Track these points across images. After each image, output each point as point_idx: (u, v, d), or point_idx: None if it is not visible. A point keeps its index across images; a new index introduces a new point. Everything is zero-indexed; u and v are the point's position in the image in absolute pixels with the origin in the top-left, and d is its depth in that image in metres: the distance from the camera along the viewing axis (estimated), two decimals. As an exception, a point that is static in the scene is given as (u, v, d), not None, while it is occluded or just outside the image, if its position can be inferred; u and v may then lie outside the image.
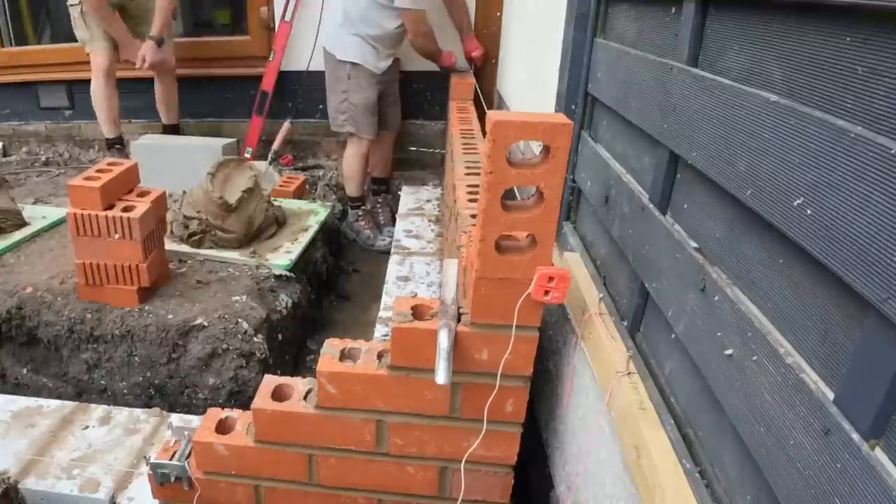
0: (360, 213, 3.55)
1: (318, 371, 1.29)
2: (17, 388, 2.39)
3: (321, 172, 4.00)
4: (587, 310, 1.27)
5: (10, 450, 1.80)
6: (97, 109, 3.62)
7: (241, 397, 2.23)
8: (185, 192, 2.81)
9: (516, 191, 1.89)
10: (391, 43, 3.20)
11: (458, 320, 1.21)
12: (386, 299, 2.40)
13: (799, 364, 0.69)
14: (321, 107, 3.59)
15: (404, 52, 3.41)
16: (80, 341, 2.29)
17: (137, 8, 3.58)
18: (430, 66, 3.55)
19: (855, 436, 0.59)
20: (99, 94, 3.56)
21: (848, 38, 0.63)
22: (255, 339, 2.23)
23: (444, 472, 1.38)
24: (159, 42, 3.44)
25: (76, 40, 3.59)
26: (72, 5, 3.44)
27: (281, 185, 3.46)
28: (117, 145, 3.72)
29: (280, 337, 2.44)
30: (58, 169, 4.14)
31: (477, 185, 1.87)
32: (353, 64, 3.15)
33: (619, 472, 1.09)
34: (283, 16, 3.70)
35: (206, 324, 2.22)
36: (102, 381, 2.34)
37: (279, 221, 2.94)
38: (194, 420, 1.85)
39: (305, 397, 1.35)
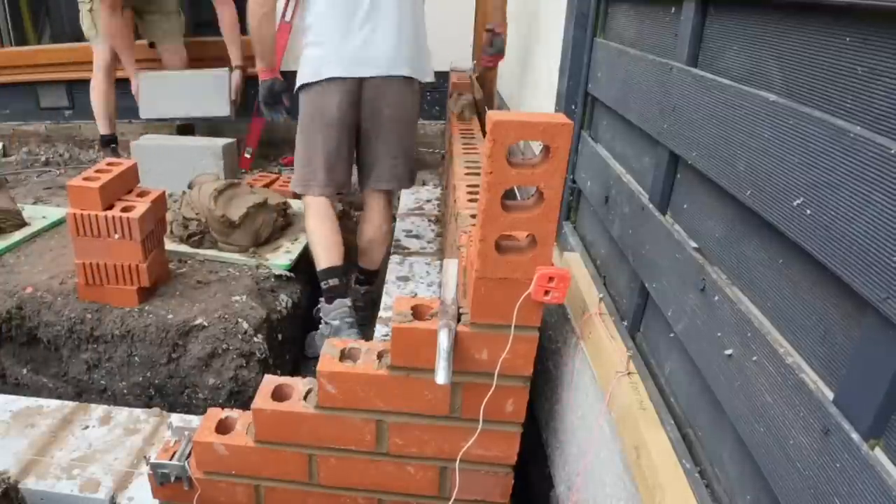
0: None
1: (318, 371, 1.29)
2: (17, 388, 2.39)
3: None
4: (587, 310, 1.27)
5: (10, 450, 1.80)
6: (94, 105, 3.64)
7: (241, 397, 2.23)
8: (184, 193, 2.82)
9: (516, 191, 1.89)
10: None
11: (458, 320, 1.21)
12: (386, 299, 2.40)
13: (799, 364, 0.69)
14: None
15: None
16: (80, 341, 2.29)
17: (153, 5, 3.61)
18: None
19: (855, 436, 0.59)
20: (98, 89, 3.59)
21: (848, 38, 0.63)
22: (255, 339, 2.23)
23: (444, 472, 1.38)
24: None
25: (77, 40, 3.61)
26: (81, 2, 3.45)
27: (280, 185, 3.47)
28: (112, 144, 3.74)
29: (280, 337, 2.44)
30: (58, 169, 4.14)
31: (477, 185, 1.87)
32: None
33: (620, 472, 1.09)
34: (284, 16, 3.69)
35: (206, 324, 2.22)
36: (102, 381, 2.34)
37: (288, 223, 2.97)
38: (194, 420, 1.85)
39: (305, 397, 1.35)
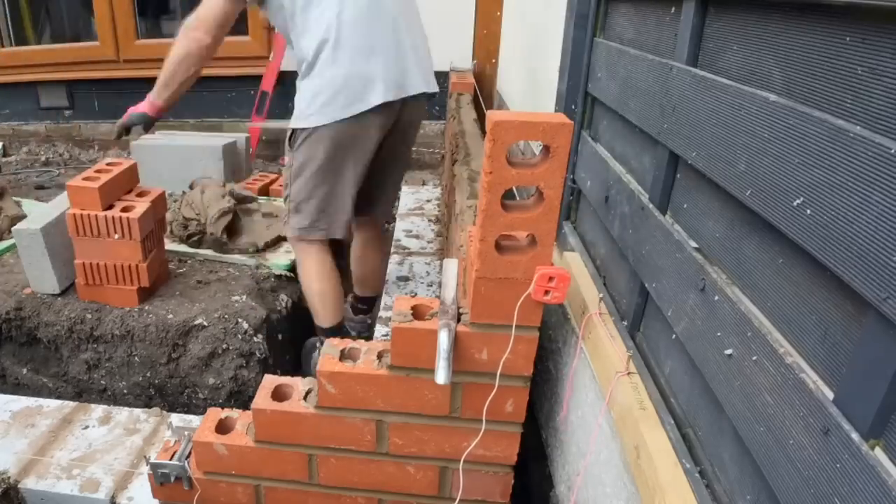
0: None
1: (318, 371, 1.29)
2: (17, 388, 2.39)
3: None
4: (587, 310, 1.27)
5: (10, 450, 1.80)
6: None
7: (241, 397, 2.23)
8: (184, 193, 2.82)
9: (516, 191, 1.89)
10: None
11: (458, 320, 1.21)
12: (386, 299, 2.40)
13: (799, 364, 0.69)
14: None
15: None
16: (80, 341, 2.29)
17: None
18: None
19: (855, 436, 0.59)
20: None
21: (848, 38, 0.63)
22: (255, 338, 2.23)
23: (445, 472, 1.38)
24: None
25: (76, 40, 3.58)
26: None
27: (280, 185, 3.48)
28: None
29: (280, 337, 2.44)
30: (58, 169, 4.15)
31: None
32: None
33: (619, 472, 1.09)
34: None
35: (206, 324, 2.22)
36: (102, 381, 2.34)
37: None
38: (194, 420, 1.85)
39: (305, 397, 1.35)
